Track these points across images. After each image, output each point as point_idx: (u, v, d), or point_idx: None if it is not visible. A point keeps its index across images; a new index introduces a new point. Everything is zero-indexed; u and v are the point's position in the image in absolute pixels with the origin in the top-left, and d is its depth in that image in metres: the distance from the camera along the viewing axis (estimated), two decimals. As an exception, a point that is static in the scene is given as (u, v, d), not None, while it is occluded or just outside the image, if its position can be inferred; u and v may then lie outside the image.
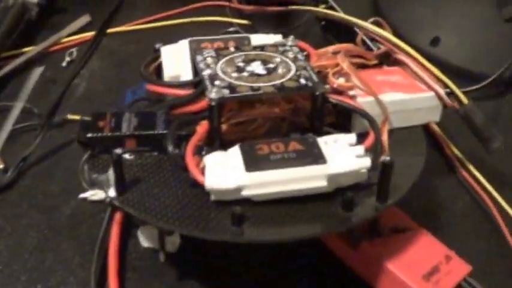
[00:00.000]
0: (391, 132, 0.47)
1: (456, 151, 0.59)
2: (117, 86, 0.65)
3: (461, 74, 0.65)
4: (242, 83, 0.45)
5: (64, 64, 0.69)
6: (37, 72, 0.66)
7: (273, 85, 0.45)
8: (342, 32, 0.57)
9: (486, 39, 0.67)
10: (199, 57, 0.49)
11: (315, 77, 0.46)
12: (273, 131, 0.46)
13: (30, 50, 0.69)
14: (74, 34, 0.72)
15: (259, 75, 0.46)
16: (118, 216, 0.47)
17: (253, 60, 0.48)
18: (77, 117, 0.59)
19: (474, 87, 0.62)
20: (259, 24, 0.71)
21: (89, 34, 0.72)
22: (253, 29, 0.71)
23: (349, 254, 0.46)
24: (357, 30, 0.55)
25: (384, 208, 0.42)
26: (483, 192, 0.54)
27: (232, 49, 0.50)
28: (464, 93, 0.49)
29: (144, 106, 0.50)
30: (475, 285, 0.45)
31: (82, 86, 0.66)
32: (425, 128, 0.51)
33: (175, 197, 0.42)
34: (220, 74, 0.46)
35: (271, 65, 0.47)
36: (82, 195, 0.44)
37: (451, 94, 0.50)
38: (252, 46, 0.50)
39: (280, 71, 0.47)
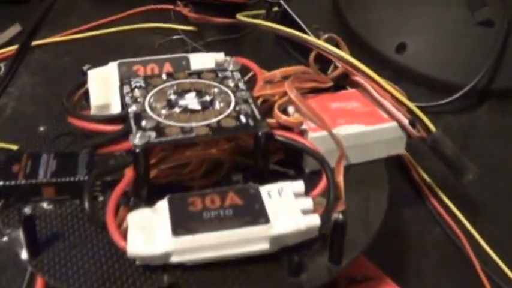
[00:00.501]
0: (349, 168, 0.42)
1: (425, 176, 0.53)
2: (49, 105, 0.58)
3: (430, 83, 0.61)
4: (172, 123, 0.39)
5: (-9, 81, 0.62)
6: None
7: (208, 125, 0.39)
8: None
9: (456, 44, 0.61)
10: (126, 88, 0.43)
11: (257, 113, 0.40)
12: (212, 171, 0.41)
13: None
14: (3, 47, 0.66)
15: (192, 111, 0.40)
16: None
17: (187, 91, 0.42)
18: (3, 144, 0.53)
19: (445, 101, 0.56)
20: (206, 30, 0.65)
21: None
22: (199, 36, 0.66)
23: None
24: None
25: (338, 270, 0.36)
26: (455, 224, 0.50)
27: (164, 77, 0.44)
28: (434, 107, 0.44)
29: (67, 143, 0.45)
30: None
31: (10, 106, 0.60)
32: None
33: (97, 259, 0.37)
34: (148, 110, 0.40)
35: (207, 98, 0.41)
36: (5, 239, 0.40)
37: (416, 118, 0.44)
38: (187, 72, 0.44)
39: (217, 105, 0.40)
